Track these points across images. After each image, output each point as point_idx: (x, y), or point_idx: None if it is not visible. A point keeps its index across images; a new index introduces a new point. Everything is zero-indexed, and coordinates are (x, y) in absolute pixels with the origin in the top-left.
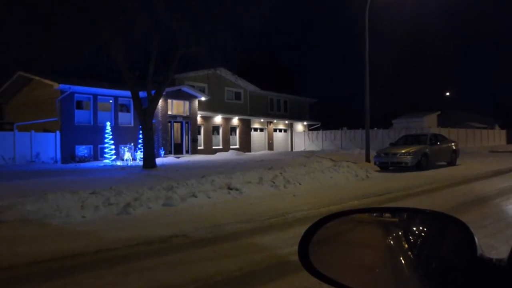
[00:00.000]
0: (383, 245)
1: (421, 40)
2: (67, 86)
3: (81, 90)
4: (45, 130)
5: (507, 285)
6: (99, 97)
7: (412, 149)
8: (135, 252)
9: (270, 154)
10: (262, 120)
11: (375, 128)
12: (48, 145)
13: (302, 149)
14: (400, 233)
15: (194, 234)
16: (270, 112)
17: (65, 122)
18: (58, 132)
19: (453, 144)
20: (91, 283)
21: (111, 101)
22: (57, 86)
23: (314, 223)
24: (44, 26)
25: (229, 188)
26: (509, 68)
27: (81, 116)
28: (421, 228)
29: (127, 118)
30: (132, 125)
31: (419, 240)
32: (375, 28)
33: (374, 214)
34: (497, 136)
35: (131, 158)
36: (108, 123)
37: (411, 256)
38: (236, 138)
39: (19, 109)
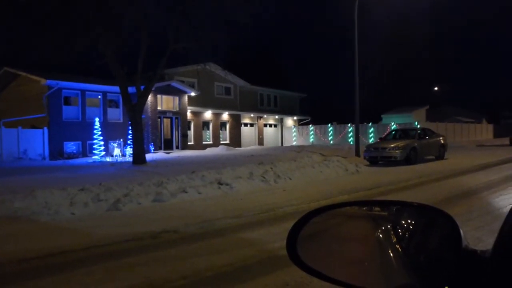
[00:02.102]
0: (372, 238)
1: (410, 36)
2: (54, 81)
3: (69, 86)
4: (33, 127)
5: (490, 276)
6: (87, 92)
7: (401, 143)
8: (125, 248)
9: (260, 149)
10: (252, 115)
11: (365, 123)
12: (35, 141)
13: (292, 144)
14: (389, 226)
15: (184, 230)
16: (260, 107)
17: (53, 118)
18: (46, 129)
19: (441, 138)
20: (81, 280)
21: (99, 96)
22: (44, 81)
23: (302, 217)
24: (32, 20)
25: (220, 184)
26: (497, 63)
27: (69, 112)
28: (409, 221)
29: (116, 114)
30: (122, 121)
31: (407, 233)
32: (365, 23)
33: (364, 208)
34: (484, 130)
35: (120, 154)
36: (97, 119)
37: (399, 249)
38: (226, 133)
39: (5, 105)
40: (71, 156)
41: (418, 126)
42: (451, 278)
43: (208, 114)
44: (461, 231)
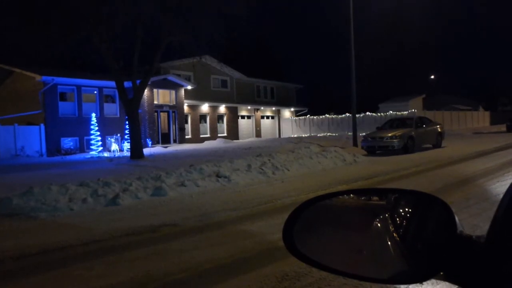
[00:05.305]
0: (370, 227)
1: (406, 25)
2: (49, 77)
3: (64, 82)
4: (29, 123)
5: (483, 261)
6: (83, 88)
7: (398, 132)
8: (124, 243)
9: (258, 141)
10: (249, 107)
11: (362, 113)
12: (32, 138)
13: (290, 136)
14: (386, 215)
15: (183, 223)
16: (257, 99)
17: (49, 115)
18: (42, 125)
19: (438, 126)
20: (81, 275)
21: (95, 92)
22: (39, 78)
23: (299, 206)
24: (25, 15)
25: (218, 176)
26: (492, 50)
27: (66, 108)
28: (406, 209)
29: (112, 109)
30: (118, 115)
31: (404, 221)
32: (361, 13)
33: (362, 198)
34: (481, 118)
35: (118, 149)
36: (93, 115)
37: (397, 237)
38: (223, 126)
39: (1, 103)
40: (69, 152)
41: (415, 115)
42: (445, 263)
43: (205, 107)
44: (456, 218)
